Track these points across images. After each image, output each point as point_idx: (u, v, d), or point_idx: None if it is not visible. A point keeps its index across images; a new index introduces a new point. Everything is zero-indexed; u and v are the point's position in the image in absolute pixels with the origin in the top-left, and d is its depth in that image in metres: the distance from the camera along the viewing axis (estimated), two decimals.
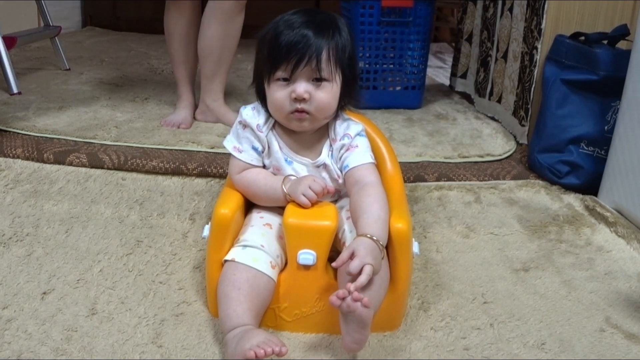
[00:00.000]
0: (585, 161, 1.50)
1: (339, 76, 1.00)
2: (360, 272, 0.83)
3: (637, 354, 0.95)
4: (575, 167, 1.51)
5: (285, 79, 0.97)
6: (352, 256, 0.85)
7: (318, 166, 1.05)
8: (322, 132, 1.06)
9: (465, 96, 2.29)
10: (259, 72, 1.03)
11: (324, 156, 1.05)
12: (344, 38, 1.00)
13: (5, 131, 1.61)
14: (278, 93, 0.98)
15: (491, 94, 2.00)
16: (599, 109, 1.50)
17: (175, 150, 1.54)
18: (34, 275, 1.07)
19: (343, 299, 0.81)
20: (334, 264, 0.86)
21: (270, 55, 0.97)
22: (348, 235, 0.99)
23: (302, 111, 0.98)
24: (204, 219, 1.30)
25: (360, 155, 1.03)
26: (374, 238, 0.88)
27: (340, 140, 1.04)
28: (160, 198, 1.37)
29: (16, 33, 2.16)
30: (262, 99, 1.04)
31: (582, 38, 1.56)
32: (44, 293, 1.02)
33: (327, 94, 0.98)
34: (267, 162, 1.06)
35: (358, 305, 0.81)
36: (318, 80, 0.98)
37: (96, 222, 1.26)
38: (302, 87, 0.97)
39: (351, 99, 1.06)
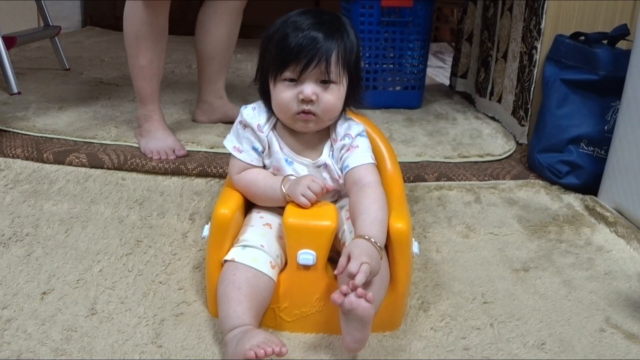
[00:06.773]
0: (585, 161, 1.50)
1: (346, 78, 1.00)
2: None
3: (637, 354, 0.95)
4: (575, 167, 1.51)
5: (292, 80, 0.97)
6: (348, 259, 0.85)
7: (319, 166, 1.05)
8: (323, 132, 1.06)
9: (465, 96, 2.29)
10: (264, 71, 1.02)
11: (325, 156, 1.05)
12: (352, 40, 0.99)
13: (5, 131, 1.61)
14: (285, 93, 0.98)
15: (492, 93, 2.00)
16: (598, 109, 1.50)
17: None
18: (34, 275, 1.07)
19: (345, 294, 0.81)
20: (335, 272, 0.86)
21: (279, 55, 0.96)
22: (348, 236, 0.99)
23: (308, 112, 0.98)
24: (203, 219, 1.29)
25: (360, 156, 1.03)
26: (371, 240, 0.88)
27: (341, 140, 1.04)
28: (160, 198, 1.37)
29: (16, 33, 2.16)
30: (266, 98, 1.04)
31: (582, 38, 1.56)
32: (44, 293, 1.02)
33: (334, 96, 0.98)
34: (267, 162, 1.06)
35: (361, 302, 0.81)
36: (325, 82, 0.97)
37: (96, 222, 1.26)
38: (309, 88, 0.96)
39: (354, 100, 1.05)
